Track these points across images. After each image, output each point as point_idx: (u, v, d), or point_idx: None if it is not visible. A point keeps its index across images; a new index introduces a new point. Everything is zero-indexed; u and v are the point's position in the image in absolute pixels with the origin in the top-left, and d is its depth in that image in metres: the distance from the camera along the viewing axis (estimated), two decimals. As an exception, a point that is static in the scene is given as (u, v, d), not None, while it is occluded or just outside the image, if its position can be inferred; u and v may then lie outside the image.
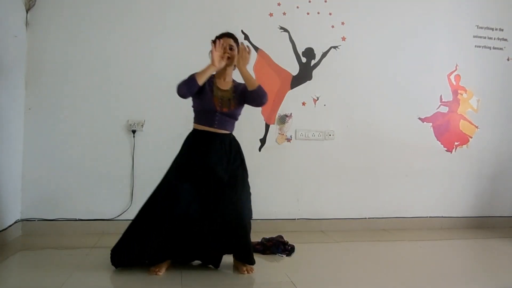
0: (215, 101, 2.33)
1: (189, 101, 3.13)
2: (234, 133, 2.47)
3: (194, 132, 2.40)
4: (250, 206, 2.40)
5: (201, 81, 2.25)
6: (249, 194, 2.42)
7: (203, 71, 2.27)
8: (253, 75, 3.27)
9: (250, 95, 2.35)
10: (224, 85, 2.40)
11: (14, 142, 2.85)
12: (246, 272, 2.31)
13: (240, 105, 2.40)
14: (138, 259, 2.29)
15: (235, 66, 2.39)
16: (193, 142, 2.38)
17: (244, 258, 2.34)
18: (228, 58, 2.34)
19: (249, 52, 2.35)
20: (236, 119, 2.43)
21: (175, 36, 3.15)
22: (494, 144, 3.82)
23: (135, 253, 2.27)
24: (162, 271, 2.27)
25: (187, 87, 2.25)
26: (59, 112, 3.00)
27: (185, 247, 2.29)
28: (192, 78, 2.24)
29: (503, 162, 3.85)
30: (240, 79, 2.41)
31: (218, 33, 2.46)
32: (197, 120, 2.40)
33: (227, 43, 2.36)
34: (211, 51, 2.31)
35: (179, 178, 2.31)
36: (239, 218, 2.28)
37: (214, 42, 2.35)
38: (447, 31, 3.68)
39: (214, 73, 2.35)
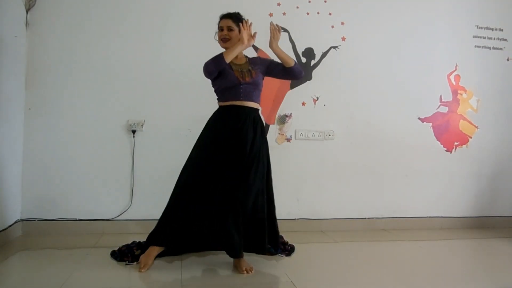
0: (237, 74, 2.39)
1: (189, 100, 3.14)
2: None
3: (219, 109, 2.45)
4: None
5: (228, 59, 2.32)
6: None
7: (231, 49, 2.35)
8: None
9: (288, 72, 2.47)
10: (239, 60, 2.48)
11: (14, 142, 2.85)
12: (245, 272, 2.31)
13: (261, 74, 2.48)
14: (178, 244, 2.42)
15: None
16: (219, 117, 2.42)
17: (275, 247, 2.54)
18: (228, 40, 2.40)
19: (279, 31, 2.46)
20: (260, 89, 2.47)
21: (175, 36, 3.15)
22: (494, 144, 3.83)
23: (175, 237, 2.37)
24: (146, 268, 2.29)
25: (216, 65, 2.33)
26: (59, 112, 3.01)
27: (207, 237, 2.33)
28: (220, 56, 2.32)
29: (503, 162, 3.86)
30: (251, 54, 2.53)
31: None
32: (222, 98, 2.44)
33: (226, 25, 2.42)
34: (217, 33, 2.45)
35: (203, 159, 2.37)
36: (271, 214, 2.46)
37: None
38: (447, 31, 3.68)
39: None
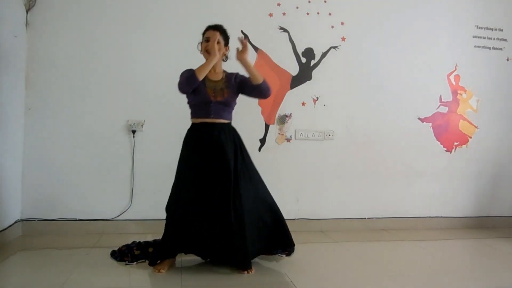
0: (209, 92, 2.35)
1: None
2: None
3: (192, 127, 2.42)
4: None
5: (201, 76, 2.28)
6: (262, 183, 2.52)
7: (203, 66, 2.30)
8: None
9: (255, 89, 2.40)
10: (215, 76, 2.42)
11: (14, 142, 2.85)
12: (246, 272, 2.31)
13: (234, 94, 2.42)
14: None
15: (226, 57, 2.47)
16: (192, 135, 2.40)
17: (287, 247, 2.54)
18: (210, 51, 2.33)
19: (246, 45, 2.37)
20: (232, 108, 2.44)
21: (175, 37, 3.15)
22: (494, 144, 3.83)
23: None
24: (165, 269, 2.28)
25: (189, 84, 2.30)
26: (59, 112, 3.01)
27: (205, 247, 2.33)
28: (192, 75, 2.27)
29: (502, 162, 3.86)
30: (230, 69, 2.45)
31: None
32: (194, 114, 2.42)
33: (212, 37, 2.35)
34: (201, 43, 2.39)
35: (186, 182, 2.34)
36: (274, 213, 2.46)
37: (203, 34, 2.40)
38: (446, 31, 3.68)
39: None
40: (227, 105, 2.39)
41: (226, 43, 2.43)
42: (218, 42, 2.36)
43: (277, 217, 2.48)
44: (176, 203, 2.34)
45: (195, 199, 2.29)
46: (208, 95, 2.34)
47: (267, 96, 2.44)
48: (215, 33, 2.36)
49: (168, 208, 2.40)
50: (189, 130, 2.43)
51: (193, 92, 2.34)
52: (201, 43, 2.41)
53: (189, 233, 2.29)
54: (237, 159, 2.37)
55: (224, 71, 2.48)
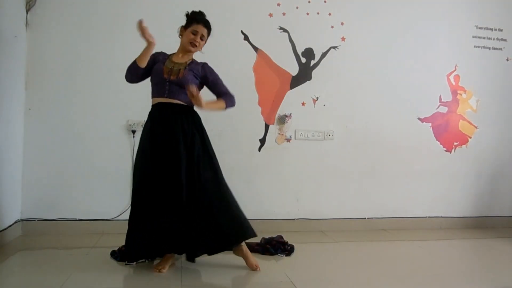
0: (164, 69, 2.34)
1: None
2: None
3: (151, 109, 2.41)
4: (225, 183, 2.40)
5: (142, 63, 2.30)
6: (219, 169, 2.40)
7: (142, 53, 2.30)
8: (253, 76, 3.30)
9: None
10: (179, 59, 2.40)
11: (14, 142, 2.85)
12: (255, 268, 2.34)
13: (193, 78, 2.34)
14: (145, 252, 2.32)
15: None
16: (150, 118, 2.39)
17: (241, 237, 2.35)
18: (196, 46, 2.36)
19: (197, 95, 2.21)
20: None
21: (175, 37, 3.14)
22: (494, 144, 3.83)
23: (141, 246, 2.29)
24: (165, 269, 2.28)
25: (130, 73, 2.34)
26: (59, 112, 3.01)
27: (164, 241, 2.26)
28: (133, 64, 2.31)
29: (502, 162, 3.86)
30: (200, 59, 2.44)
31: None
32: (152, 94, 2.40)
33: (201, 32, 2.36)
34: (182, 28, 2.39)
35: (143, 164, 2.32)
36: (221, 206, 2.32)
37: (189, 22, 2.38)
38: (446, 32, 3.68)
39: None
40: (182, 86, 2.28)
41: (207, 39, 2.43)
42: (203, 38, 2.38)
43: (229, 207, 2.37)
44: (134, 198, 2.32)
45: (150, 190, 2.25)
46: (162, 73, 2.33)
47: (232, 106, 2.44)
48: (204, 30, 2.37)
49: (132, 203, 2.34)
50: (149, 113, 2.41)
51: (152, 70, 2.35)
52: (183, 29, 2.39)
53: (153, 233, 2.24)
54: (194, 144, 2.31)
55: (193, 59, 2.44)
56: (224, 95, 2.42)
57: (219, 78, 2.45)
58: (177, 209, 2.24)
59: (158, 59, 2.40)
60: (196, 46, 2.36)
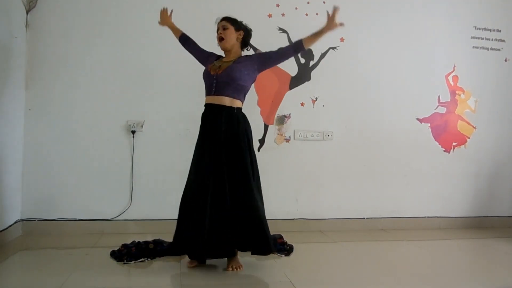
0: (211, 67, 2.41)
1: (189, 101, 3.14)
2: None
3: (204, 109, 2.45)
4: (261, 193, 2.48)
5: (176, 35, 2.68)
6: (259, 180, 2.47)
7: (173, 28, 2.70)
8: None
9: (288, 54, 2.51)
10: (228, 57, 2.46)
11: (14, 142, 2.86)
12: (231, 269, 2.32)
13: (242, 69, 2.35)
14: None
15: (246, 44, 2.52)
16: (202, 118, 2.42)
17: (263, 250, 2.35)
18: (223, 38, 2.41)
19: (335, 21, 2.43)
20: (236, 83, 2.33)
21: (175, 37, 3.15)
22: (492, 144, 3.84)
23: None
24: (193, 264, 2.36)
25: (182, 43, 2.65)
26: (59, 112, 3.02)
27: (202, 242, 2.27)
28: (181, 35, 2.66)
29: (500, 162, 3.87)
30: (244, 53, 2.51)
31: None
32: (205, 93, 2.44)
33: (221, 25, 2.44)
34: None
35: (194, 164, 2.38)
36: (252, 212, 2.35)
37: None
38: (445, 32, 3.69)
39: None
40: (230, 80, 2.31)
41: (237, 29, 2.46)
42: (225, 28, 2.42)
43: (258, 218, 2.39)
44: (184, 198, 2.37)
45: (201, 192, 2.29)
46: (209, 71, 2.39)
47: (298, 51, 2.51)
48: (222, 22, 2.45)
49: (180, 205, 2.38)
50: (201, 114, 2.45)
51: (203, 73, 2.44)
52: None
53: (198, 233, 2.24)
54: (244, 152, 2.33)
55: (241, 55, 2.49)
56: (282, 48, 2.50)
57: (266, 52, 2.51)
58: (221, 210, 2.27)
59: (211, 60, 2.49)
60: (223, 39, 2.41)
